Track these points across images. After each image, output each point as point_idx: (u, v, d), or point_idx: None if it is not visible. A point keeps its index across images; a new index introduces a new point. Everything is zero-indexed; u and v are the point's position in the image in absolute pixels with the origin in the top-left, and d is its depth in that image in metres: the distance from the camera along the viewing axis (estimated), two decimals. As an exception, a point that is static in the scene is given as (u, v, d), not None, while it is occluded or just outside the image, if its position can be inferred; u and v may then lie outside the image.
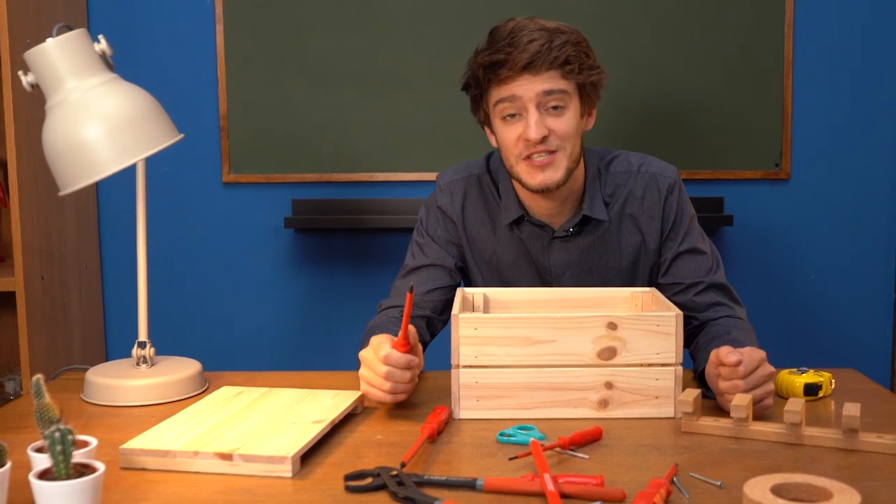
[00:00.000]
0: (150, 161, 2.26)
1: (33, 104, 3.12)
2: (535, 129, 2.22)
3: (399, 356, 1.92)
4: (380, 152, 3.59)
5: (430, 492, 1.58)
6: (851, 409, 1.77)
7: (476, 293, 2.26)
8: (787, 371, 2.13)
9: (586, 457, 1.75)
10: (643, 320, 1.94)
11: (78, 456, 1.48)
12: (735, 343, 2.08)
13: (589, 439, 1.82)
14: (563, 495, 1.55)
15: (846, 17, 3.52)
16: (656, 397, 1.96)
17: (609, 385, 1.96)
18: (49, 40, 2.14)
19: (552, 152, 2.26)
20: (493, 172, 2.49)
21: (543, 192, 2.30)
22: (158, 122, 2.20)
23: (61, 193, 2.18)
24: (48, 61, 2.14)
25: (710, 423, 1.87)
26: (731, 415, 1.84)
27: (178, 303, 3.71)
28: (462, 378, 1.97)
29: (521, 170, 2.29)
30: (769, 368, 1.92)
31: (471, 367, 1.96)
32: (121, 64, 2.34)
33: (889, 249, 3.62)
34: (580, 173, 2.39)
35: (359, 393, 2.05)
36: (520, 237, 2.44)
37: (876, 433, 1.78)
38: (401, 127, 3.57)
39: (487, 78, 2.27)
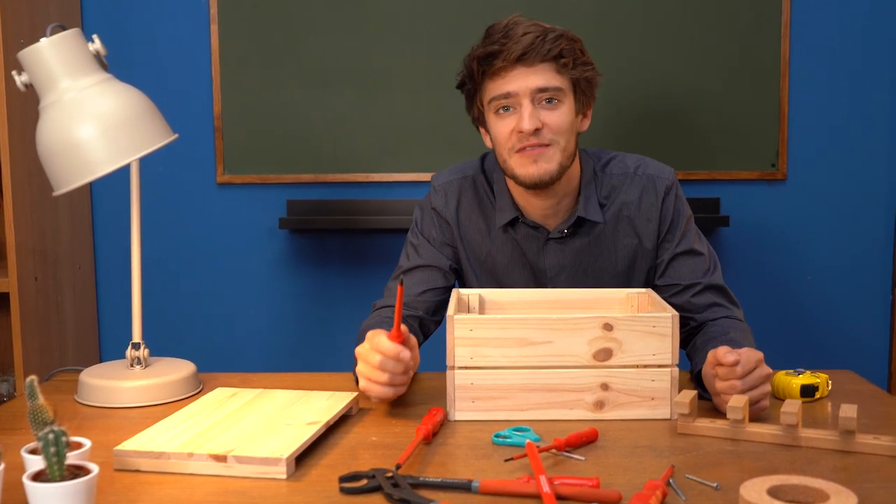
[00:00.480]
0: (144, 161, 2.26)
1: (27, 104, 3.11)
2: (529, 120, 2.22)
3: (389, 344, 1.91)
4: (375, 153, 3.58)
5: (426, 493, 1.58)
6: (848, 411, 1.77)
7: (471, 294, 2.26)
8: (783, 372, 2.13)
9: (582, 458, 1.75)
10: (639, 321, 1.94)
11: (72, 457, 1.49)
12: (733, 343, 2.07)
13: (585, 441, 1.82)
14: (559, 497, 1.55)
15: (843, 18, 3.52)
16: (652, 398, 1.96)
17: (605, 386, 1.95)
18: (43, 40, 2.13)
19: (545, 145, 2.25)
20: (487, 173, 2.49)
21: (537, 185, 2.29)
22: (153, 122, 2.19)
23: (55, 194, 2.18)
24: (42, 61, 2.14)
25: (706, 424, 1.87)
26: (728, 416, 1.84)
27: (173, 304, 3.71)
28: (457, 379, 1.96)
29: (514, 163, 2.29)
30: (766, 370, 1.92)
31: (466, 368, 1.96)
32: (115, 64, 2.33)
33: (886, 250, 3.62)
34: (575, 173, 2.39)
35: (354, 394, 2.05)
36: (514, 238, 2.44)
37: (873, 434, 1.78)
38: (396, 127, 3.57)
39: (482, 70, 2.27)
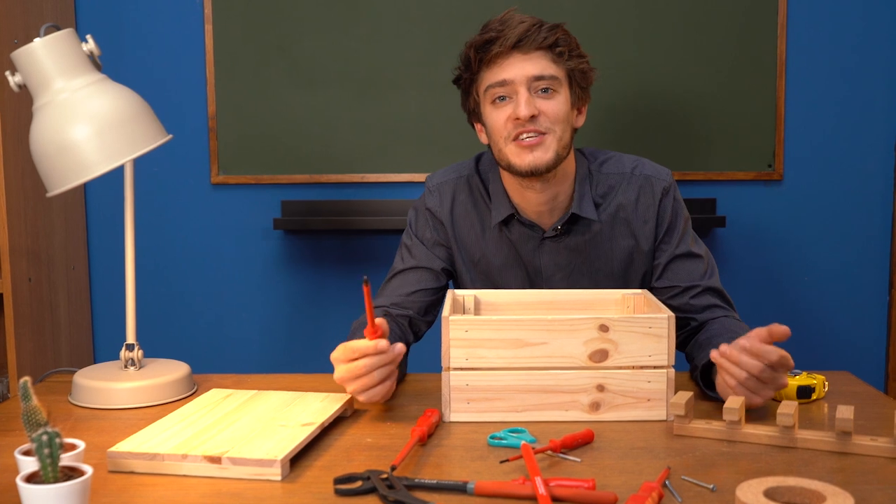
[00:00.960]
0: (138, 162, 2.25)
1: (21, 105, 3.11)
2: (525, 106, 2.23)
3: (364, 342, 1.91)
4: (370, 153, 3.58)
5: (421, 495, 1.58)
6: (845, 412, 1.76)
7: (466, 295, 2.25)
8: (779, 373, 2.12)
9: (578, 460, 1.74)
10: (635, 322, 1.94)
11: (65, 459, 1.49)
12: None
13: (580, 442, 1.81)
14: (555, 499, 1.55)
15: (839, 18, 3.52)
16: (648, 400, 1.95)
17: (601, 388, 1.95)
18: (37, 40, 2.13)
19: (541, 133, 2.25)
20: (482, 174, 2.49)
21: (532, 174, 2.28)
22: (147, 123, 2.19)
23: (49, 195, 2.17)
24: (36, 61, 2.13)
25: (702, 425, 1.87)
26: (724, 417, 1.83)
27: (167, 305, 3.70)
28: (452, 380, 1.96)
29: (510, 151, 2.29)
30: (785, 379, 1.92)
31: (461, 369, 1.95)
32: (109, 64, 2.33)
33: (883, 250, 3.62)
34: (571, 170, 2.39)
35: (348, 396, 2.04)
36: (509, 238, 2.44)
37: (869, 436, 1.78)
38: (391, 128, 3.57)
39: (479, 58, 2.28)
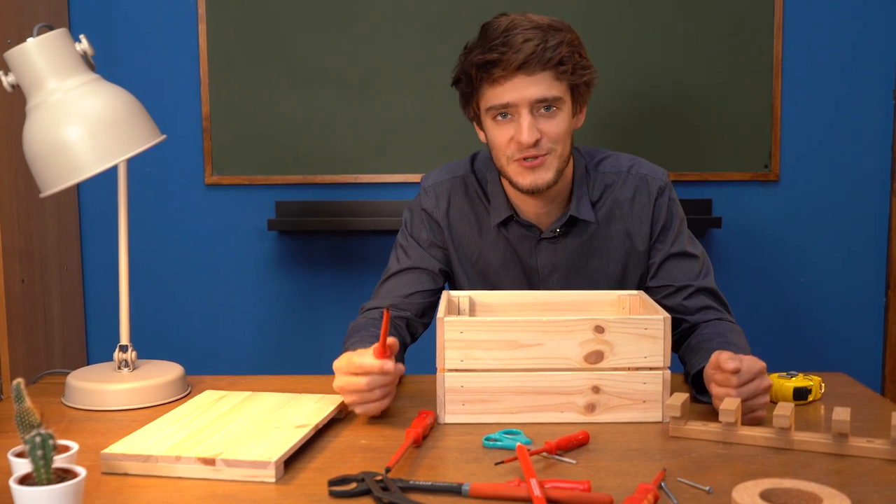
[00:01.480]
0: (132, 162, 2.25)
1: (14, 105, 3.10)
2: (528, 132, 2.21)
3: (372, 360, 1.90)
4: (364, 154, 3.58)
5: (416, 497, 1.57)
6: (841, 414, 1.76)
7: (461, 296, 2.25)
8: (776, 375, 2.12)
9: (573, 462, 1.74)
10: (630, 324, 1.93)
11: (59, 461, 1.48)
12: (733, 348, 2.07)
13: (576, 444, 1.81)
14: (550, 501, 1.55)
15: (836, 19, 3.52)
16: (644, 401, 1.95)
17: (596, 389, 1.94)
18: (30, 40, 2.12)
19: (543, 155, 2.25)
20: (478, 174, 2.48)
21: (534, 192, 2.29)
22: (140, 123, 2.18)
23: (42, 195, 2.17)
24: (29, 61, 2.13)
25: (698, 427, 1.86)
26: (720, 419, 1.83)
27: (161, 306, 3.69)
28: (447, 382, 1.95)
29: (513, 170, 2.28)
30: (766, 381, 1.91)
31: (456, 370, 1.95)
32: (102, 64, 2.33)
33: (879, 251, 3.62)
34: (569, 172, 2.38)
35: (343, 397, 2.03)
36: (507, 238, 2.43)
37: (866, 437, 1.77)
38: (385, 128, 3.56)
39: (480, 77, 2.25)
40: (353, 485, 1.61)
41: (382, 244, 3.63)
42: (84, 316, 3.71)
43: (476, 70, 2.25)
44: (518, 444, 1.73)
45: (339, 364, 1.96)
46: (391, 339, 1.92)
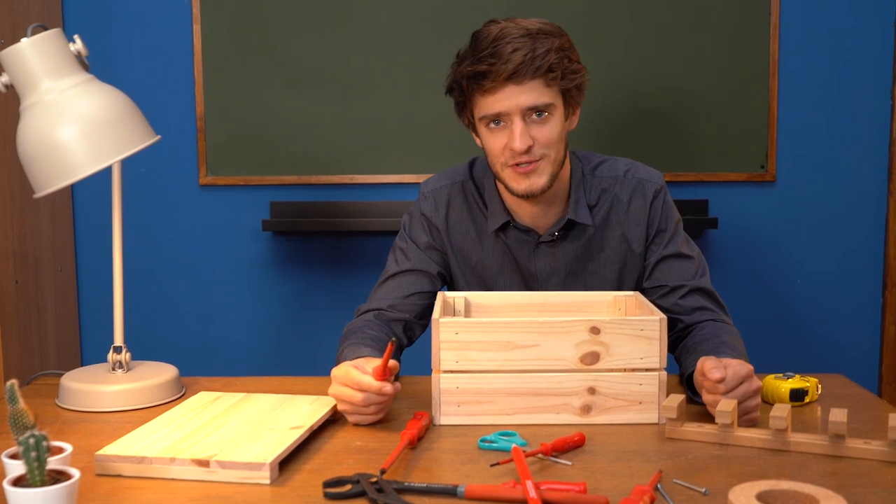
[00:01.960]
0: (126, 163, 2.24)
1: (7, 105, 3.09)
2: (520, 139, 2.21)
3: (372, 381, 1.89)
4: (359, 154, 3.57)
5: (411, 499, 1.57)
6: (838, 415, 1.76)
7: (457, 297, 2.25)
8: (772, 376, 2.12)
9: (569, 463, 1.74)
10: (626, 325, 1.93)
11: (53, 462, 1.49)
12: (725, 347, 2.08)
13: (571, 445, 1.81)
14: (546, 502, 1.54)
15: (832, 19, 3.52)
16: (640, 403, 1.95)
17: (592, 390, 1.94)
18: (24, 40, 2.11)
19: (536, 160, 2.25)
20: (476, 179, 2.48)
21: (528, 197, 2.29)
22: (134, 124, 2.17)
23: (36, 196, 2.16)
24: (23, 62, 2.12)
25: (694, 428, 1.86)
26: (716, 421, 1.82)
27: (155, 307, 3.69)
28: (443, 383, 1.95)
29: (507, 176, 2.29)
30: (755, 384, 1.91)
31: (451, 372, 1.95)
32: (96, 64, 2.31)
33: (876, 252, 3.62)
34: (566, 176, 2.38)
35: (338, 399, 2.03)
36: (505, 243, 2.43)
37: (863, 439, 1.77)
38: (381, 129, 3.56)
39: (471, 88, 2.26)
40: (348, 486, 1.61)
41: (378, 245, 3.63)
42: (78, 317, 3.70)
43: (467, 81, 2.25)
44: (514, 445, 1.72)
45: (337, 374, 1.96)
46: (392, 363, 1.92)
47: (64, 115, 2.10)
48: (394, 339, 1.89)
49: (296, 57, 3.54)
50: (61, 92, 2.12)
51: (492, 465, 1.71)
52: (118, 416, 2.10)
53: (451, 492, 1.59)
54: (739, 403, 1.88)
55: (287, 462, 1.75)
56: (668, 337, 2.31)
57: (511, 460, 1.67)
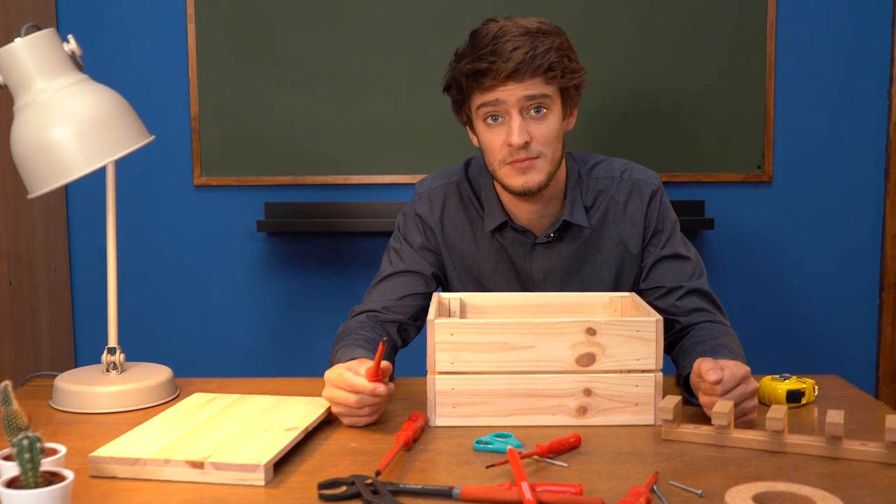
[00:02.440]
0: (120, 163, 2.24)
1: (1, 105, 3.08)
2: (518, 134, 2.21)
3: (365, 383, 1.89)
4: (355, 155, 3.56)
5: (406, 500, 1.57)
6: (835, 417, 1.76)
7: (452, 298, 2.24)
8: (769, 377, 2.12)
9: (565, 465, 1.73)
10: (623, 326, 1.93)
11: (47, 464, 1.49)
12: (722, 349, 2.08)
13: (567, 447, 1.81)
14: (542, 504, 1.54)
15: (829, 19, 3.51)
16: (636, 404, 1.94)
17: (588, 392, 1.94)
18: (17, 40, 2.11)
19: (533, 158, 2.24)
20: (472, 180, 2.48)
21: (525, 194, 2.29)
22: (129, 124, 2.17)
23: (30, 196, 2.16)
24: (16, 61, 2.12)
25: (690, 430, 1.86)
26: (713, 422, 1.82)
27: (149, 308, 3.68)
28: (438, 385, 1.95)
29: (504, 173, 2.29)
30: (752, 385, 1.91)
31: (447, 373, 1.94)
32: (90, 64, 2.31)
33: (873, 253, 3.62)
34: (562, 176, 2.38)
35: (333, 400, 2.03)
36: (501, 244, 2.42)
37: (860, 441, 1.77)
38: (376, 129, 3.55)
39: (470, 86, 2.25)
40: (343, 488, 1.61)
41: (373, 245, 3.62)
42: (72, 318, 3.70)
43: (466, 79, 2.25)
44: (509, 447, 1.72)
45: (330, 376, 1.96)
46: (385, 364, 1.92)
47: (58, 115, 2.09)
48: (385, 338, 1.88)
49: (291, 56, 3.53)
50: (55, 92, 2.11)
51: (487, 467, 1.71)
52: (112, 418, 2.09)
53: (446, 493, 1.59)
54: (736, 405, 1.88)
55: (282, 464, 1.75)
56: (665, 338, 2.31)
57: (506, 462, 1.67)
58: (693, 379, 1.97)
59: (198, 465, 1.67)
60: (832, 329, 3.66)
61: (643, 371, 1.94)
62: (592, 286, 2.42)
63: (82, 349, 3.71)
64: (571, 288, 2.42)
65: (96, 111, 2.12)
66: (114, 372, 2.25)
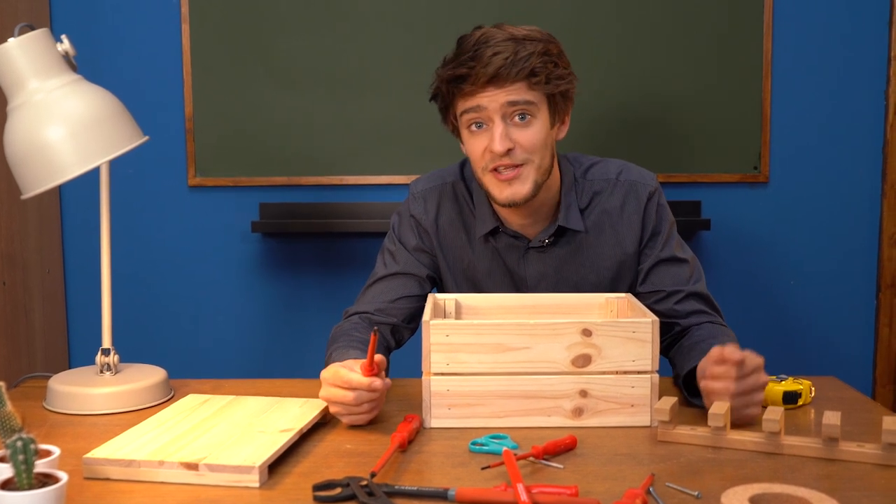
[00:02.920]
0: (114, 164, 2.23)
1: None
2: (500, 141, 2.19)
3: (361, 378, 1.89)
4: (349, 155, 3.56)
5: (401, 502, 1.57)
6: (832, 418, 1.75)
7: (447, 299, 2.24)
8: (765, 378, 2.12)
9: (560, 466, 1.73)
10: (618, 327, 1.92)
11: (40, 465, 1.49)
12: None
13: (563, 448, 1.80)
14: (538, 506, 1.53)
15: (825, 20, 3.52)
16: (632, 405, 1.94)
17: (583, 393, 1.93)
18: (11, 40, 2.10)
19: (518, 166, 2.23)
20: (467, 181, 2.47)
21: (511, 206, 2.27)
22: (123, 124, 2.16)
23: (24, 197, 2.15)
24: (10, 62, 2.11)
25: (686, 431, 1.85)
26: (709, 423, 1.82)
27: (143, 309, 3.67)
28: (433, 386, 1.94)
29: (489, 181, 2.28)
30: (763, 378, 1.91)
31: (442, 374, 1.94)
32: (84, 64, 2.30)
33: (870, 254, 3.62)
34: (554, 183, 2.36)
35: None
36: (495, 247, 2.42)
37: (856, 442, 1.77)
38: (371, 130, 3.55)
39: (451, 91, 2.24)
40: (338, 490, 1.61)
41: (367, 246, 3.62)
42: (66, 319, 3.69)
43: (447, 85, 2.24)
44: (504, 448, 1.72)
45: (326, 375, 1.95)
46: (379, 357, 1.91)
47: (52, 115, 2.08)
48: (376, 328, 1.88)
49: (285, 57, 3.53)
50: (49, 92, 2.11)
51: (483, 469, 1.70)
52: (106, 419, 2.09)
53: (441, 495, 1.58)
54: (744, 395, 1.88)
55: (276, 465, 1.74)
56: (664, 340, 2.31)
57: (502, 463, 1.67)
58: (704, 364, 1.96)
59: (192, 466, 1.66)
60: (829, 330, 3.66)
61: (639, 372, 1.93)
62: (588, 289, 2.41)
63: (76, 350, 3.71)
64: (566, 291, 2.40)
65: (90, 111, 2.11)
66: (108, 373, 2.25)
